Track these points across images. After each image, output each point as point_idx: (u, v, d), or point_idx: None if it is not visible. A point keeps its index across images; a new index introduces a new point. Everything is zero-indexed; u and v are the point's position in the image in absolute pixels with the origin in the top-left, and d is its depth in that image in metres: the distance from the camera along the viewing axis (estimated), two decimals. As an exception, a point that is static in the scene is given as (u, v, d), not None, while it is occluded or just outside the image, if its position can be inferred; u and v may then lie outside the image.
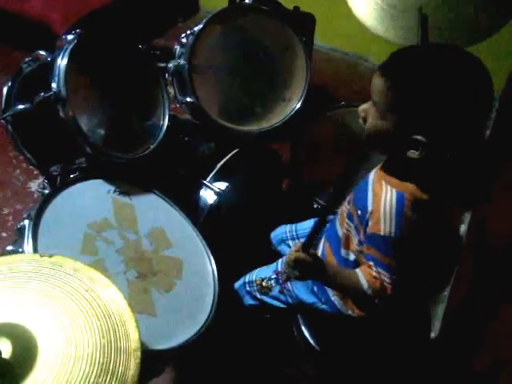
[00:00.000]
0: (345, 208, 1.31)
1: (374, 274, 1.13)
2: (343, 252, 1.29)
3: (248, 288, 1.51)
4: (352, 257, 1.27)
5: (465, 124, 1.02)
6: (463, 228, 2.15)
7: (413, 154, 1.04)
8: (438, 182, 1.12)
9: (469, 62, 1.00)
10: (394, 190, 1.10)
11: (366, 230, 1.16)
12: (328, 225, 1.42)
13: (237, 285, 1.55)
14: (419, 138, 1.01)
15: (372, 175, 1.22)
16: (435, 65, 1.01)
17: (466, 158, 1.09)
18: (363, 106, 1.12)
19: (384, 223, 1.09)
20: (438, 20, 1.51)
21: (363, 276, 1.16)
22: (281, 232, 1.62)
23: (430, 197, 1.09)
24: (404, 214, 1.08)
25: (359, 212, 1.19)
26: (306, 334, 1.41)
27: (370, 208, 1.14)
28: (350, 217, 1.26)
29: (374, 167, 1.24)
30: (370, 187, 1.19)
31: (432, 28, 1.44)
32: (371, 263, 1.14)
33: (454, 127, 1.02)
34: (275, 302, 1.47)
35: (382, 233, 1.10)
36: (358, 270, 1.18)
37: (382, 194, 1.11)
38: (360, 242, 1.21)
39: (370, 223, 1.13)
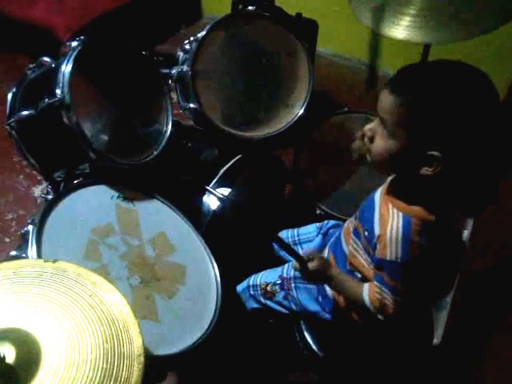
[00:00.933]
0: (350, 224, 1.31)
1: (377, 294, 1.14)
2: (348, 267, 1.30)
3: (252, 292, 1.50)
4: (358, 274, 1.27)
5: (477, 137, 1.00)
6: (466, 233, 2.14)
7: (426, 170, 1.01)
8: (446, 200, 1.11)
9: (477, 76, 0.99)
10: (400, 215, 1.09)
11: (374, 252, 1.15)
12: (333, 238, 1.42)
13: (240, 288, 1.55)
14: (435, 153, 0.99)
15: (378, 194, 1.22)
16: (446, 79, 1.00)
17: (476, 170, 1.07)
18: (369, 126, 1.10)
19: (390, 249, 1.09)
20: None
21: (367, 292, 1.18)
22: (283, 237, 1.62)
23: (438, 216, 1.08)
24: (411, 240, 1.07)
25: (366, 233, 1.19)
26: (309, 339, 1.41)
27: (377, 232, 1.13)
28: (356, 233, 1.26)
29: (380, 183, 1.24)
30: (376, 207, 1.18)
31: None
32: (376, 283, 1.15)
33: (468, 141, 1.00)
34: (279, 308, 1.47)
35: (388, 258, 1.10)
36: (365, 285, 1.20)
37: (389, 219, 1.10)
38: (368, 261, 1.22)
39: (377, 247, 1.13)
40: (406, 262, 1.08)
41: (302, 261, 1.24)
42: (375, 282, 1.15)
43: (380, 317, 1.16)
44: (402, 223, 1.08)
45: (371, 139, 1.09)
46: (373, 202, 1.22)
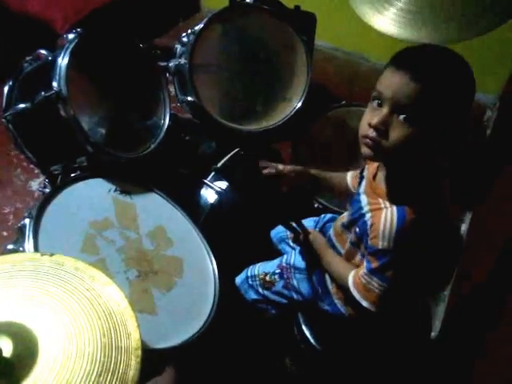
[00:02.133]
0: (339, 224, 1.34)
1: (363, 279, 1.16)
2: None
3: (250, 282, 1.51)
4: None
5: (465, 119, 1.04)
6: (464, 227, 2.15)
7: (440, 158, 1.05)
8: (437, 190, 1.12)
9: (462, 59, 1.02)
10: (394, 207, 1.09)
11: (367, 243, 1.16)
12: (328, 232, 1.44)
13: (239, 279, 1.55)
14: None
15: (362, 186, 1.23)
16: (450, 62, 1.01)
17: (467, 158, 1.08)
18: (379, 120, 1.01)
19: (382, 238, 1.09)
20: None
21: (352, 277, 1.20)
22: (281, 230, 1.63)
23: (430, 206, 1.08)
24: (404, 230, 1.07)
25: (357, 229, 1.20)
26: (307, 332, 1.41)
27: (368, 222, 1.14)
28: (347, 227, 1.29)
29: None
30: (363, 199, 1.20)
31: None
32: (365, 270, 1.16)
33: (459, 119, 1.03)
34: (278, 298, 1.47)
35: (380, 247, 1.10)
36: (351, 271, 1.22)
37: (383, 210, 1.10)
38: (362, 256, 1.23)
39: (370, 235, 1.13)
40: (397, 250, 1.09)
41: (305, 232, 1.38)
42: (364, 269, 1.16)
43: (364, 304, 1.16)
44: (397, 212, 1.07)
45: (384, 134, 1.02)
46: (359, 189, 1.24)
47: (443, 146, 1.06)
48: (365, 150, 1.06)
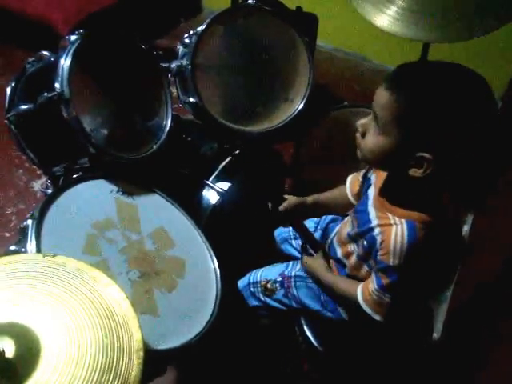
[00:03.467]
0: (344, 228, 1.32)
1: (374, 295, 1.15)
2: (347, 271, 1.32)
3: (252, 289, 1.51)
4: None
5: (470, 142, 0.99)
6: (466, 228, 2.14)
7: (415, 172, 1.00)
8: (441, 199, 1.11)
9: (475, 81, 0.98)
10: (403, 221, 1.08)
11: (376, 258, 1.15)
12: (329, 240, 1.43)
13: (241, 284, 1.55)
14: (425, 155, 0.97)
15: (371, 194, 1.22)
16: (444, 81, 0.99)
17: (469, 159, 1.06)
18: (362, 121, 1.08)
19: (394, 255, 1.08)
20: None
21: (361, 292, 1.19)
22: (284, 231, 1.62)
23: (435, 215, 1.08)
24: (416, 245, 1.06)
25: (365, 243, 1.18)
26: (309, 334, 1.41)
27: (378, 238, 1.12)
28: (354, 239, 1.27)
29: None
30: (371, 210, 1.18)
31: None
32: (375, 285, 1.15)
33: (460, 145, 0.98)
34: (278, 305, 1.47)
35: (391, 264, 1.10)
36: (358, 288, 1.20)
37: (393, 226, 1.09)
38: (370, 268, 1.22)
39: (380, 252, 1.12)
40: (408, 266, 1.08)
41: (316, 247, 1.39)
42: (374, 285, 1.15)
43: (377, 318, 1.16)
44: (407, 229, 1.07)
45: (363, 135, 1.08)
46: (367, 199, 1.22)
47: (444, 168, 1.01)
48: (357, 151, 1.12)
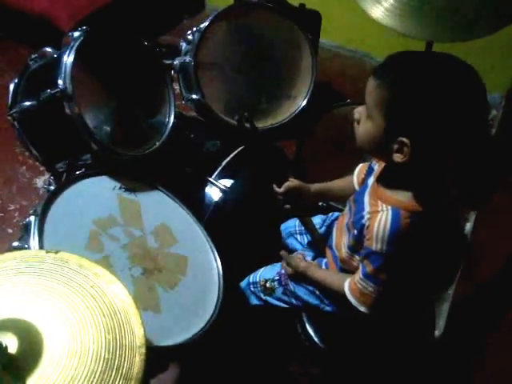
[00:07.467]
0: (344, 222, 1.32)
1: (358, 284, 1.16)
2: (340, 265, 1.32)
3: (252, 288, 1.51)
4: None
5: (452, 131, 0.99)
6: (469, 226, 2.14)
7: (398, 157, 1.02)
8: (433, 190, 1.11)
9: (463, 71, 0.99)
10: (389, 207, 1.09)
11: (362, 245, 1.16)
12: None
13: (243, 284, 1.55)
14: (404, 139, 0.99)
15: (370, 181, 1.23)
16: (427, 68, 1.00)
17: (470, 158, 1.06)
18: (358, 108, 1.11)
19: (376, 240, 1.09)
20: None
21: (348, 284, 1.20)
22: (291, 225, 1.63)
23: (425, 206, 1.08)
24: (398, 232, 1.07)
25: (355, 232, 1.19)
26: (311, 331, 1.41)
27: (366, 224, 1.14)
28: (348, 230, 1.27)
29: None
30: (366, 196, 1.19)
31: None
32: (360, 274, 1.16)
33: (441, 132, 0.99)
34: (279, 303, 1.47)
35: (374, 249, 1.11)
36: (346, 279, 1.21)
37: (379, 212, 1.10)
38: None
39: (366, 236, 1.14)
40: (391, 253, 1.09)
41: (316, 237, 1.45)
42: (360, 274, 1.16)
43: (362, 309, 1.17)
44: (392, 216, 1.08)
45: (358, 122, 1.11)
46: (366, 187, 1.23)
47: (428, 153, 1.03)
48: None
